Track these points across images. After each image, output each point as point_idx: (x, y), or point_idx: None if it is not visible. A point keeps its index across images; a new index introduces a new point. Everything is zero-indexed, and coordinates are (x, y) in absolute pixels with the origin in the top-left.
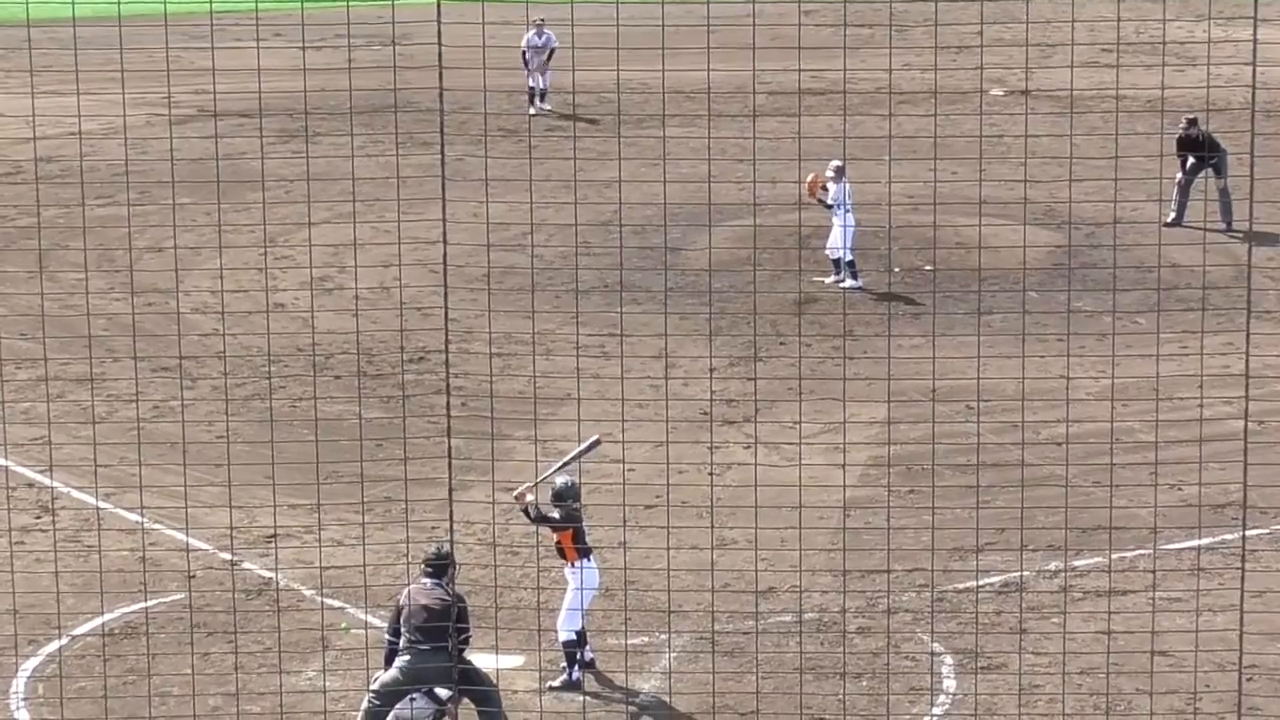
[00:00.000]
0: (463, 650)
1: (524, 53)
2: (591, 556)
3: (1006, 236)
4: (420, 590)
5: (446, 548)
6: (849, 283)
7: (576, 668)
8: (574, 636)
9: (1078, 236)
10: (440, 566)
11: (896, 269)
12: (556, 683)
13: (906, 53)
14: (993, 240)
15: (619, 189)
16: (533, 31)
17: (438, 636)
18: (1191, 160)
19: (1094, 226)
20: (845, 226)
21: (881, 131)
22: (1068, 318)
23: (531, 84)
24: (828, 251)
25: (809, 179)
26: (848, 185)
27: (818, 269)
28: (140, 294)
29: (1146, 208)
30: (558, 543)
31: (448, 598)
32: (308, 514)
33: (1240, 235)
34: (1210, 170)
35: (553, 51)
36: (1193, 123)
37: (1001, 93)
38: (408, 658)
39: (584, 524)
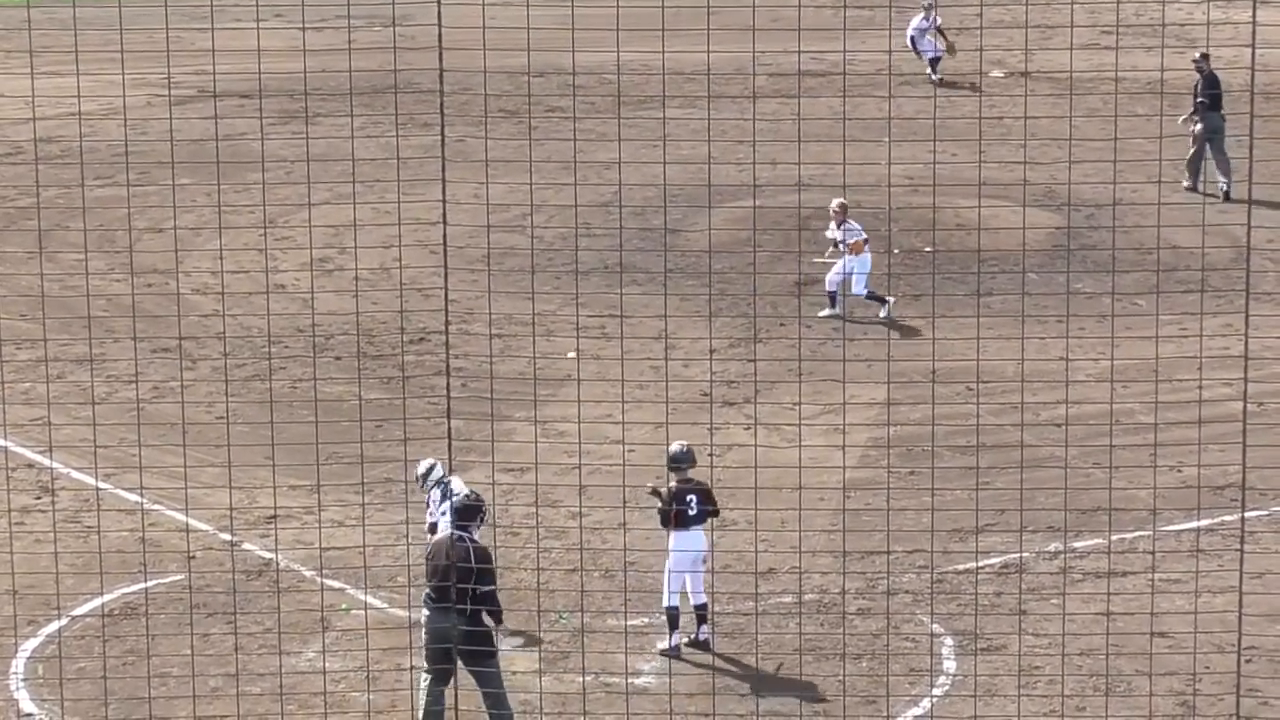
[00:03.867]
0: (487, 608)
1: (912, 37)
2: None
3: (1006, 218)
4: (445, 542)
5: (476, 490)
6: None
7: (676, 634)
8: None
9: (1077, 218)
10: (469, 512)
11: (896, 250)
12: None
13: (907, 34)
14: (992, 222)
15: (619, 170)
16: (920, 16)
17: (456, 596)
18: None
19: (1094, 208)
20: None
21: (881, 113)
22: (1067, 299)
23: (931, 54)
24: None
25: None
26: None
27: (817, 249)
28: (140, 275)
29: (1146, 189)
30: None
31: (470, 552)
32: (308, 495)
33: (1236, 208)
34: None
35: (940, 30)
36: (1204, 57)
37: (1001, 74)
38: (427, 614)
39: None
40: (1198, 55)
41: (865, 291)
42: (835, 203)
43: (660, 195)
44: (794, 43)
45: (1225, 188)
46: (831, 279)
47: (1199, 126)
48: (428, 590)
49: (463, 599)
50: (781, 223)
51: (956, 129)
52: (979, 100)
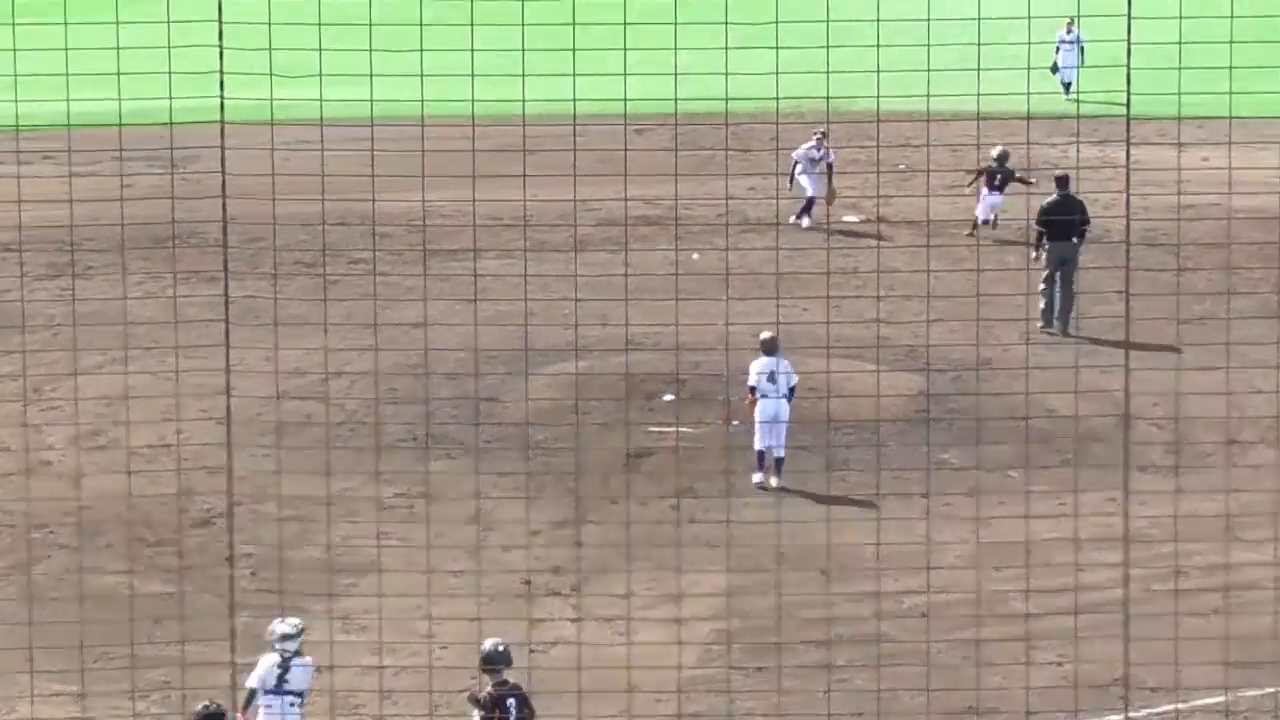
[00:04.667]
0: None
1: (796, 164)
2: None
3: (863, 381)
4: None
5: (215, 706)
6: (758, 477)
7: None
8: None
9: (942, 381)
10: None
11: (736, 422)
12: None
13: (751, 176)
14: (847, 385)
15: (425, 331)
16: (811, 144)
17: None
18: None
19: (960, 370)
20: (760, 422)
21: (721, 264)
22: (929, 473)
23: (811, 193)
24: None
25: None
26: (776, 361)
27: (652, 419)
28: None
29: (1017, 348)
30: None
31: None
32: (74, 702)
33: (1117, 369)
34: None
35: (831, 166)
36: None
37: (856, 220)
38: None
39: None
40: (994, 152)
41: (783, 449)
42: (765, 335)
43: (474, 358)
44: (623, 187)
45: (1059, 327)
46: (762, 435)
47: (1044, 255)
48: None
49: None
50: (612, 388)
51: (807, 282)
52: (826, 251)
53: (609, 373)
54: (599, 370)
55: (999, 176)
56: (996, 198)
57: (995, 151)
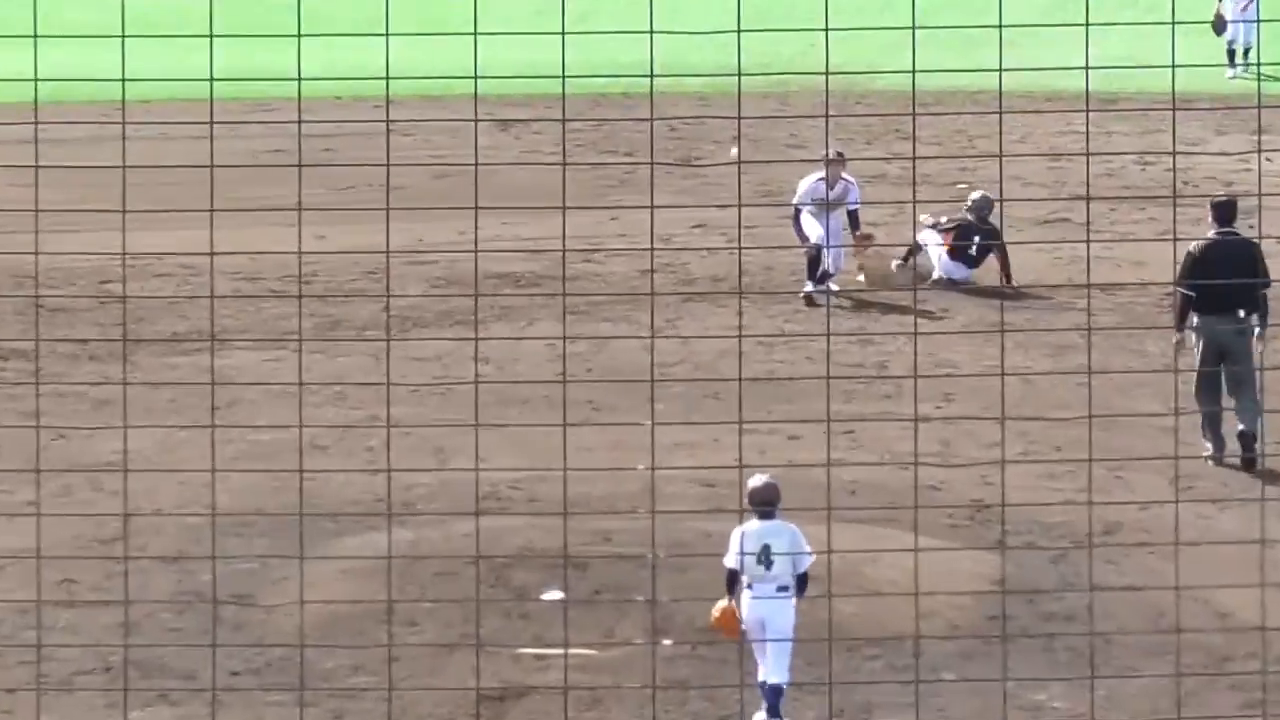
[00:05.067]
0: None
1: (798, 210)
2: None
3: (897, 565)
4: None
5: None
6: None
7: None
8: None
9: (1035, 565)
10: None
11: (669, 641)
12: None
13: (705, 209)
14: (869, 572)
15: (124, 481)
16: (818, 176)
17: None
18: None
19: (1066, 545)
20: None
21: (647, 358)
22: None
23: (817, 239)
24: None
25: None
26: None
27: (525, 632)
28: None
29: (1163, 510)
30: None
31: None
32: None
33: None
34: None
35: (855, 214)
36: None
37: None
38: None
39: None
40: (971, 199)
41: (781, 676)
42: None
43: (212, 526)
44: (473, 222)
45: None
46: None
47: (1191, 337)
48: None
49: None
50: (454, 579)
51: (799, 390)
52: (826, 341)
53: (449, 553)
54: (432, 548)
55: (975, 239)
56: (961, 270)
57: (974, 196)
